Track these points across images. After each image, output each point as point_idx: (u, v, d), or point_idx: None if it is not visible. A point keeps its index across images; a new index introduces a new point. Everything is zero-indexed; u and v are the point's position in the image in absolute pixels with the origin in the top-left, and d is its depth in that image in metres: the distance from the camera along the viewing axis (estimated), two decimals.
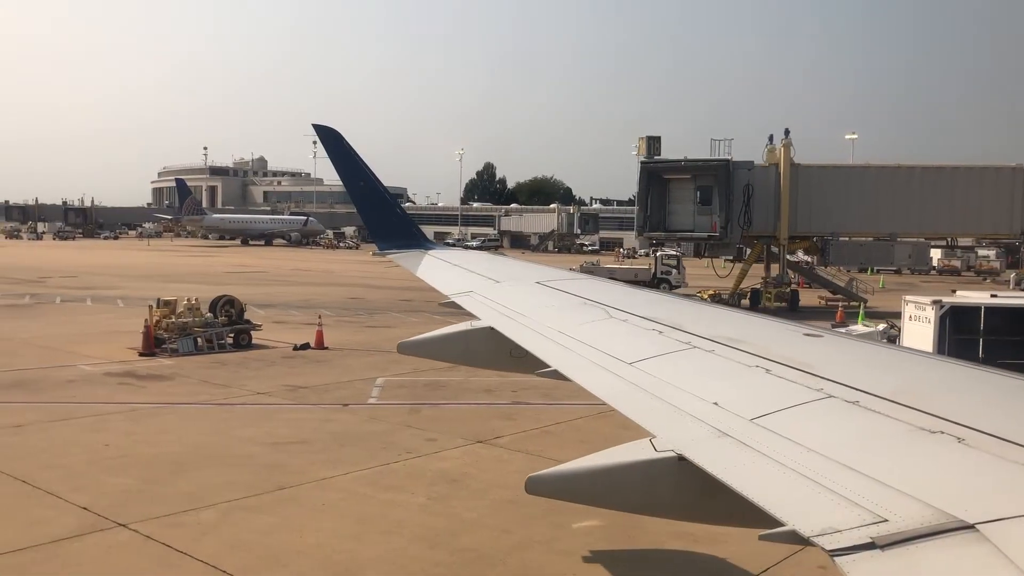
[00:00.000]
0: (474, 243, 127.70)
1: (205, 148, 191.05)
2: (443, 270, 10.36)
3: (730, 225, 40.83)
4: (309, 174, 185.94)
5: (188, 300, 26.46)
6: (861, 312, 37.21)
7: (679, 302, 7.99)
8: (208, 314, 26.40)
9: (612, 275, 51.29)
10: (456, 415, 18.28)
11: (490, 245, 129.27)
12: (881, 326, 20.55)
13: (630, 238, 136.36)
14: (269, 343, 26.98)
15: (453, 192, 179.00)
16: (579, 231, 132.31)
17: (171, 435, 16.02)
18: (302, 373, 22.57)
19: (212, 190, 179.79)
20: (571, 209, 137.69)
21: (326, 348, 26.47)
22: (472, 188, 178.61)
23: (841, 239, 43.33)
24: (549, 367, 5.65)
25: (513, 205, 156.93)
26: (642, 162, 44.12)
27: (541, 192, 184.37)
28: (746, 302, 43.84)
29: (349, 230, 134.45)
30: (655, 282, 50.66)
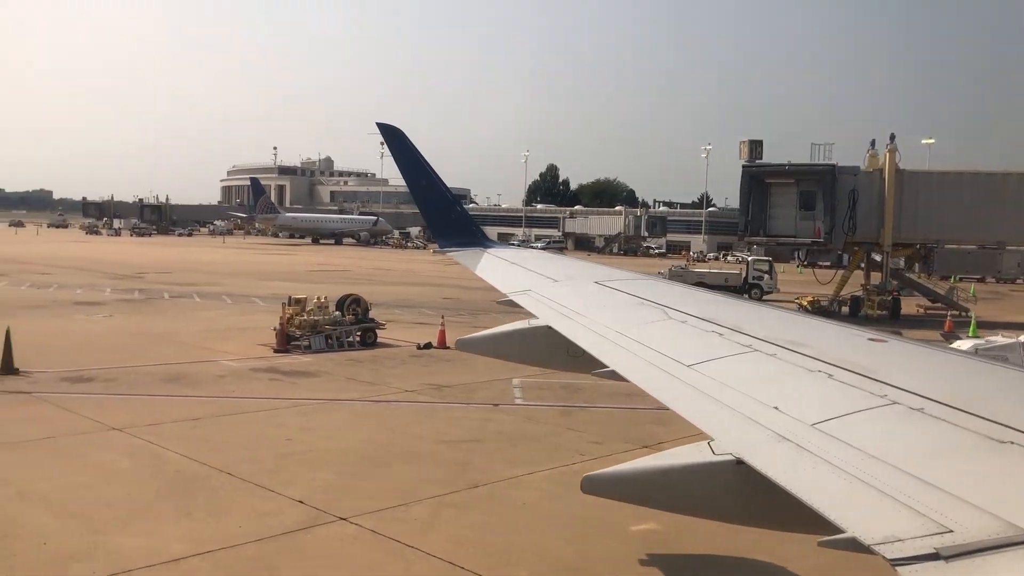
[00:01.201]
0: (538, 244, 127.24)
1: (275, 148, 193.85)
2: (501, 268, 10.39)
3: (834, 231, 40.21)
4: (375, 174, 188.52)
5: (318, 299, 27.02)
6: (973, 323, 36.34)
7: (739, 304, 7.85)
8: (336, 312, 26.93)
9: (701, 280, 50.86)
10: (607, 418, 18.35)
11: (555, 247, 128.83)
12: (1022, 337, 20.01)
13: (697, 241, 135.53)
14: (392, 342, 27.40)
15: (514, 193, 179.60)
16: (646, 234, 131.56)
17: (346, 431, 16.41)
18: (437, 372, 22.88)
19: (280, 189, 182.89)
20: (638, 211, 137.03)
21: (448, 348, 26.78)
22: (535, 190, 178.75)
23: (947, 247, 42.39)
24: (606, 367, 5.64)
25: (577, 207, 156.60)
26: (744, 166, 43.69)
27: (604, 194, 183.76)
28: (846, 309, 43.13)
29: (414, 230, 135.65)
30: (746, 287, 50.17)
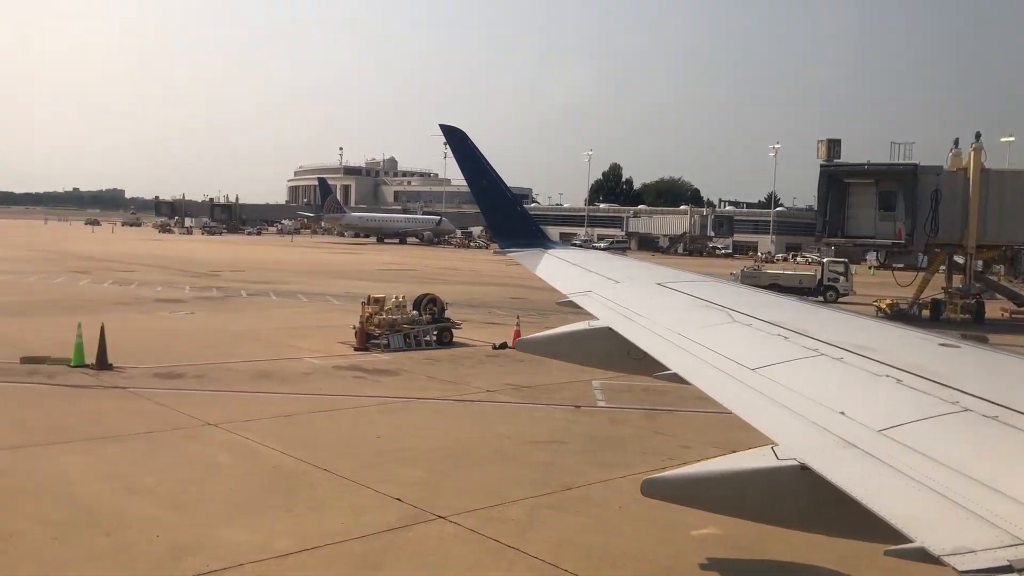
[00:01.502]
0: (601, 244, 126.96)
1: (341, 148, 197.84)
2: (562, 269, 10.20)
3: (916, 232, 39.09)
4: (438, 174, 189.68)
5: (396, 298, 27.30)
6: None
7: (805, 307, 7.64)
8: (413, 312, 27.17)
9: (775, 281, 50.05)
10: (691, 422, 18.10)
11: (618, 247, 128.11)
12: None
13: (765, 242, 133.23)
14: (468, 341, 27.51)
15: (576, 193, 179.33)
16: (712, 233, 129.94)
17: (433, 430, 16.52)
18: (515, 372, 22.88)
19: (346, 189, 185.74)
20: (704, 211, 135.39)
21: None
22: (597, 189, 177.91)
23: None
24: (668, 370, 5.54)
25: (641, 206, 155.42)
26: (822, 165, 42.77)
27: (668, 193, 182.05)
28: (926, 312, 41.92)
29: (476, 230, 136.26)
30: (821, 289, 49.13)
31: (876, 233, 41.48)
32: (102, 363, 20.46)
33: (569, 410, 18.76)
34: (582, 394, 20.24)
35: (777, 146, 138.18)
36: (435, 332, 26.92)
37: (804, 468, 3.79)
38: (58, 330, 26.18)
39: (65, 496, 11.70)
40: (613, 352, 7.14)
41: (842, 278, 49.49)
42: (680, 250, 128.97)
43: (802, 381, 4.78)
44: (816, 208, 46.08)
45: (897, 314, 40.49)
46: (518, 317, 30.31)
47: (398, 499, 12.26)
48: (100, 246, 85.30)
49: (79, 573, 9.42)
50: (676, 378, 5.47)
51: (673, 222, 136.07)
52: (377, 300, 27.02)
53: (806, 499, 3.90)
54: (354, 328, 26.50)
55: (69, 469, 12.91)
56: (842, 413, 4.15)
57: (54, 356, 20.98)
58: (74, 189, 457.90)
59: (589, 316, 7.79)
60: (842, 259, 50.87)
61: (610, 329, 7.02)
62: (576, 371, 22.96)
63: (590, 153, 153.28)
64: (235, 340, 26.36)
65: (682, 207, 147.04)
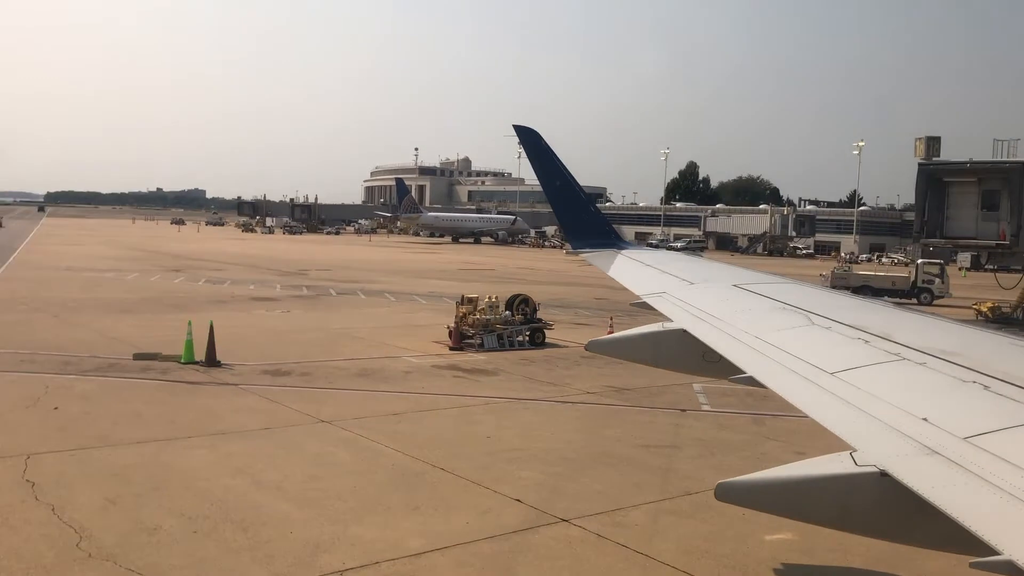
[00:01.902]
0: (678, 244, 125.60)
1: (416, 149, 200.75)
2: (635, 270, 10.01)
3: (1022, 233, 37.48)
4: (511, 174, 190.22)
5: (489, 298, 27.39)
6: None
7: (888, 310, 7.37)
8: (506, 312, 27.22)
9: (866, 283, 48.63)
10: (800, 427, 17.55)
11: (695, 247, 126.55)
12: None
13: (848, 242, 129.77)
14: (560, 342, 27.42)
15: (650, 192, 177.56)
16: (793, 233, 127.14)
17: (540, 431, 16.49)
18: (612, 374, 22.65)
19: (421, 189, 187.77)
20: (784, 210, 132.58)
21: None
22: (673, 188, 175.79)
23: None
24: (744, 373, 5.43)
25: (719, 205, 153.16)
26: (920, 164, 41.38)
27: (746, 192, 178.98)
28: None
29: (550, 229, 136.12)
30: (915, 291, 47.55)
31: (977, 234, 39.95)
32: (211, 360, 21.01)
33: (674, 414, 18.50)
34: (684, 398, 19.94)
35: (861, 144, 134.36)
36: (527, 332, 26.92)
37: (884, 475, 3.71)
38: (162, 327, 27.13)
39: (197, 491, 12.00)
40: (687, 354, 7.09)
41: (937, 280, 47.80)
42: (760, 250, 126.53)
43: (883, 386, 4.66)
44: (914, 208, 44.57)
45: (999, 318, 38.91)
46: (611, 318, 30.08)
47: (518, 500, 12.25)
48: (188, 245, 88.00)
49: (222, 567, 9.63)
50: (752, 381, 5.40)
51: (752, 221, 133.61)
52: (470, 300, 27.15)
53: (885, 506, 3.83)
54: (448, 328, 26.71)
55: (197, 464, 13.26)
56: (925, 419, 4.03)
57: (164, 353, 21.64)
58: (157, 189, 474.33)
59: (663, 318, 7.72)
60: (938, 260, 49.09)
61: (684, 331, 6.96)
62: (670, 373, 22.78)
63: (666, 151, 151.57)
64: (334, 338, 26.79)
65: (761, 206, 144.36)
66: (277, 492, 12.17)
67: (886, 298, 44.67)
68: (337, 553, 10.09)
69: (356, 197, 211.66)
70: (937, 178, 40.74)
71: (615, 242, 11.76)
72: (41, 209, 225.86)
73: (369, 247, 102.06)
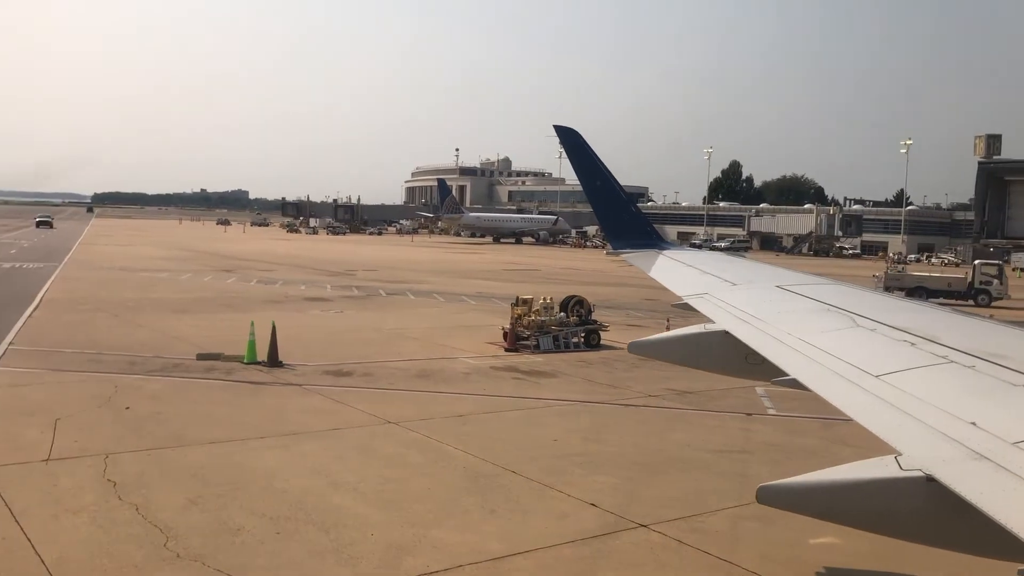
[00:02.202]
0: (722, 244, 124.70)
1: (457, 149, 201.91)
2: (677, 271, 9.91)
3: None
4: (551, 173, 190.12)
5: (544, 299, 27.31)
6: None
7: (936, 312, 7.22)
8: (560, 313, 27.11)
9: (921, 284, 47.72)
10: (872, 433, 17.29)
11: (739, 247, 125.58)
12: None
13: (896, 242, 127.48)
14: (615, 343, 27.21)
15: (692, 191, 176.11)
16: (840, 233, 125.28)
17: (607, 434, 16.36)
18: (672, 376, 22.35)
19: (461, 189, 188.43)
20: (830, 210, 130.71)
21: None
22: (716, 187, 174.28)
23: None
24: (787, 375, 5.39)
25: (763, 204, 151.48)
26: (980, 162, 40.62)
27: (790, 191, 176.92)
28: None
29: (591, 229, 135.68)
30: (972, 293, 46.52)
31: None
32: (274, 360, 21.19)
33: (740, 417, 18.24)
34: (749, 401, 19.66)
35: (909, 142, 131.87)
36: (583, 334, 26.78)
37: (930, 480, 3.67)
38: (220, 327, 27.46)
39: (276, 492, 12.07)
40: (729, 356, 7.04)
41: (996, 281, 46.74)
42: (805, 250, 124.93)
43: (929, 389, 4.58)
44: (965, 207, 43.59)
45: None
46: (668, 320, 29.78)
47: (593, 504, 12.14)
48: (235, 245, 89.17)
49: (308, 569, 9.65)
50: (795, 384, 5.34)
51: (798, 221, 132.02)
52: (525, 301, 27.09)
53: (932, 512, 3.78)
54: (503, 329, 26.67)
55: (272, 465, 13.34)
56: (973, 424, 3.96)
57: (227, 353, 21.87)
58: (202, 190, 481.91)
59: (705, 319, 7.68)
60: (995, 261, 47.97)
61: (726, 333, 6.90)
62: (735, 378, 22.48)
63: (709, 150, 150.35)
64: (389, 339, 26.90)
65: (806, 205, 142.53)
66: (354, 494, 12.19)
67: (942, 299, 43.83)
68: (420, 556, 10.07)
69: (396, 197, 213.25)
70: (998, 177, 39.87)
71: (656, 242, 11.69)
72: (90, 210, 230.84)
73: (412, 247, 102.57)
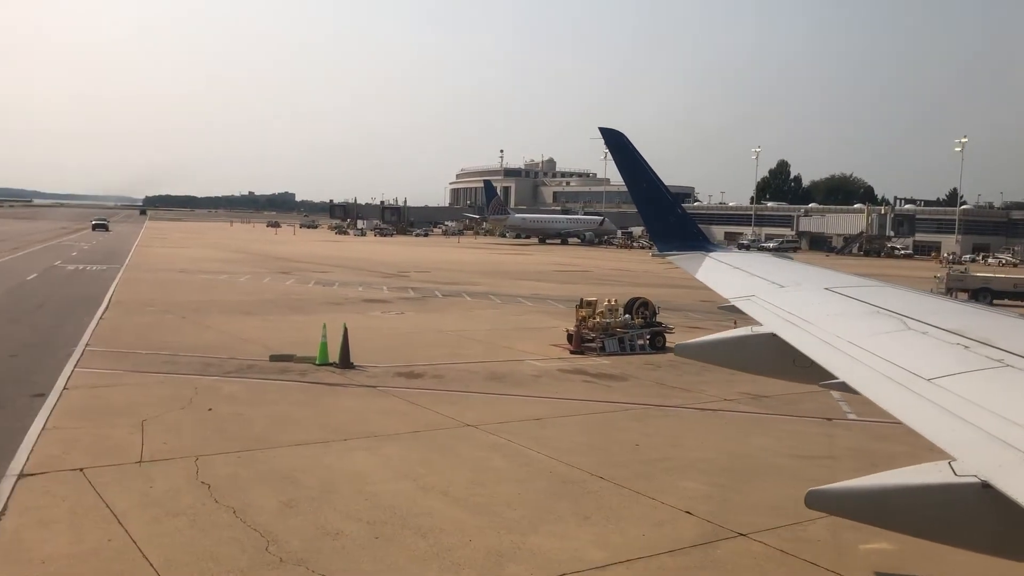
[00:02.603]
0: (770, 244, 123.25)
1: (501, 151, 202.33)
2: (723, 273, 9.77)
3: None
4: (596, 174, 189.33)
5: (608, 301, 27.11)
6: None
7: (990, 314, 7.02)
8: (625, 315, 26.88)
9: (986, 285, 46.59)
10: None
11: (788, 247, 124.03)
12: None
13: (950, 242, 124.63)
14: None
15: (738, 191, 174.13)
16: (892, 233, 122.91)
17: (688, 439, 16.13)
18: (743, 379, 21.69)
19: (506, 190, 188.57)
20: (882, 209, 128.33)
21: None
22: (763, 187, 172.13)
23: None
24: (836, 379, 5.34)
25: (812, 204, 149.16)
26: None
27: (839, 191, 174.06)
28: None
29: (637, 230, 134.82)
30: None
31: None
32: (345, 362, 21.29)
33: (819, 422, 17.86)
34: (827, 406, 19.22)
35: (964, 140, 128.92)
36: (648, 336, 26.52)
37: (986, 486, 3.60)
38: (286, 328, 27.74)
39: (368, 495, 12.05)
40: (776, 359, 7.00)
41: None
42: (856, 251, 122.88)
43: (984, 393, 4.46)
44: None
45: None
46: (735, 322, 29.35)
47: (687, 512, 11.93)
48: (287, 247, 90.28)
49: (410, 575, 9.60)
50: (844, 387, 5.28)
51: (848, 221, 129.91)
52: (589, 303, 26.91)
53: (987, 519, 3.71)
54: (567, 331, 26.54)
55: (359, 467, 13.36)
56: None
57: (299, 355, 22.04)
58: (249, 193, 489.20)
59: (752, 322, 7.61)
60: None
61: (773, 335, 6.85)
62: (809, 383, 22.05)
63: (757, 150, 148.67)
64: (453, 340, 26.89)
65: (856, 205, 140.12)
66: (444, 498, 12.13)
67: (1007, 301, 42.68)
68: (522, 563, 9.96)
69: (439, 199, 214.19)
70: None
71: (702, 244, 11.58)
72: (143, 213, 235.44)
73: (459, 248, 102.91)
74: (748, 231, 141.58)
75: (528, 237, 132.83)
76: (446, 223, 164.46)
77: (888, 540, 10.37)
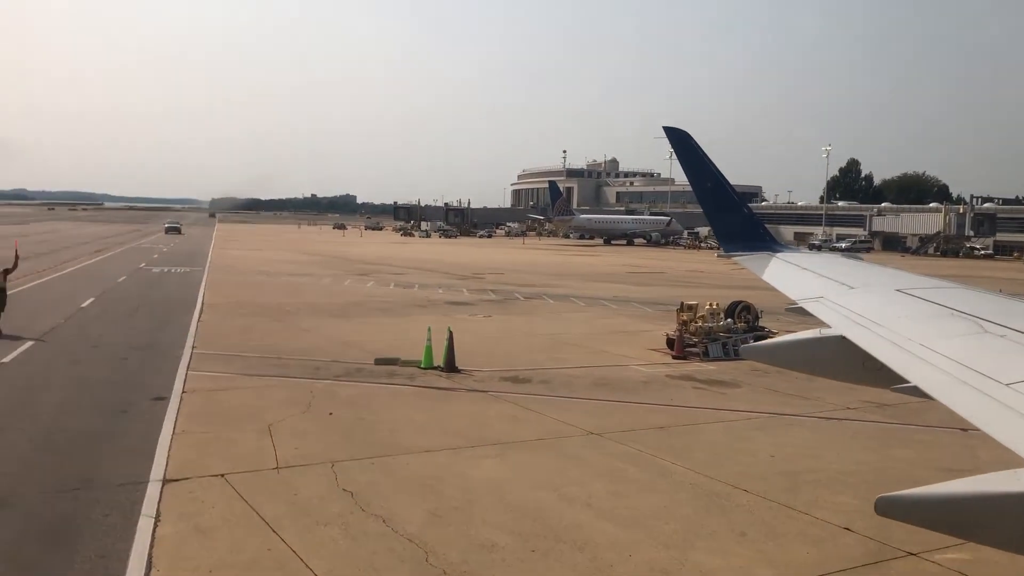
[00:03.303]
0: (842, 245, 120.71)
1: (564, 151, 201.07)
2: (791, 274, 9.53)
3: None
4: (660, 174, 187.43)
5: (711, 304, 26.53)
6: None
7: None
8: (727, 319, 26.26)
9: None
10: None
11: (860, 247, 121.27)
12: None
13: None
14: None
15: (804, 191, 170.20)
16: (971, 233, 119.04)
17: (824, 450, 15.52)
18: (857, 387, 21.28)
19: (568, 191, 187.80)
20: (960, 208, 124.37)
21: None
22: (833, 186, 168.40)
23: None
24: (908, 383, 5.17)
25: (885, 204, 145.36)
26: None
27: (911, 189, 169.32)
28: None
29: (703, 230, 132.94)
30: None
31: None
32: (451, 366, 21.13)
33: (955, 433, 16.96)
34: (954, 416, 18.34)
35: None
36: (752, 341, 25.80)
37: None
38: (380, 331, 27.84)
39: (510, 505, 11.78)
40: (846, 362, 6.86)
41: None
42: (932, 251, 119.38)
43: None
44: None
45: None
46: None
47: (846, 528, 11.39)
48: (357, 249, 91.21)
49: None
50: (916, 391, 5.15)
51: (924, 220, 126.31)
52: (690, 307, 26.35)
53: None
54: (667, 335, 26.03)
55: (493, 475, 13.10)
56: None
57: (403, 358, 21.95)
58: (312, 195, 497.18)
59: (820, 324, 7.41)
60: None
61: (843, 338, 6.66)
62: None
63: (828, 148, 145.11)
64: (549, 344, 26.56)
65: (932, 204, 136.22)
66: (588, 509, 11.79)
67: None
68: None
69: (496, 199, 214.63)
70: None
71: (769, 244, 11.28)
72: (212, 215, 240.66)
73: (526, 250, 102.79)
74: (818, 231, 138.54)
75: (591, 238, 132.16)
76: (508, 224, 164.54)
77: (965, 550, 10.16)
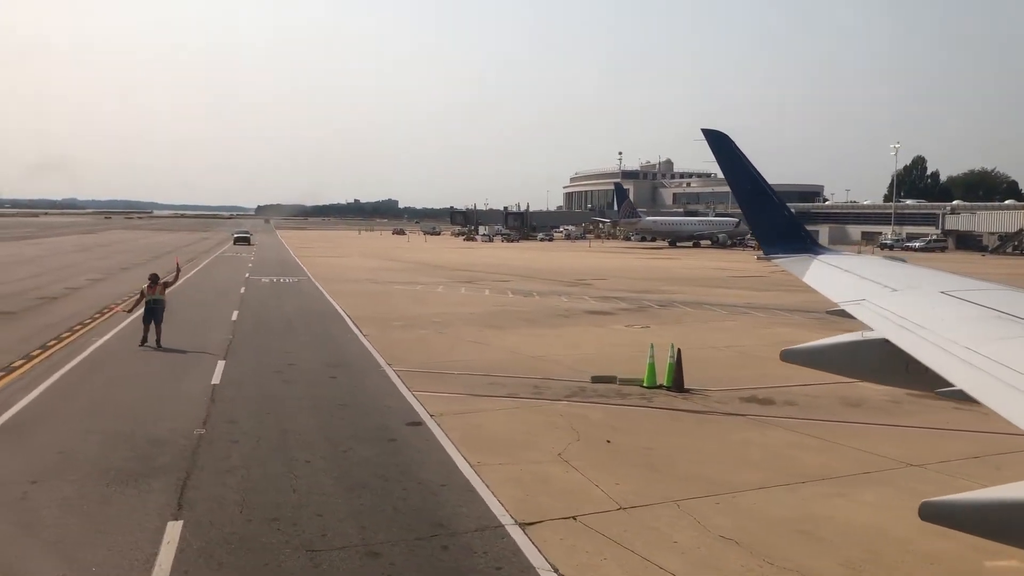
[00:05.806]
0: (915, 244, 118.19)
1: (620, 153, 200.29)
2: (832, 276, 9.45)
3: None
4: (716, 174, 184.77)
5: None
6: None
7: None
8: None
9: None
10: None
11: (934, 246, 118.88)
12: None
13: None
14: None
15: (864, 189, 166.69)
16: None
17: None
18: None
19: (624, 193, 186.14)
20: None
21: None
22: (897, 184, 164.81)
23: None
24: (952, 386, 5.08)
25: (957, 202, 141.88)
26: None
27: (979, 186, 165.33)
28: None
29: None
30: None
31: None
32: (679, 385, 19.92)
33: None
34: None
35: None
36: None
37: None
38: (546, 343, 26.74)
39: (924, 556, 10.52)
40: (888, 365, 6.85)
41: None
42: (1011, 250, 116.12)
43: None
44: None
45: None
46: None
47: None
48: (432, 254, 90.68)
49: None
50: (962, 395, 5.03)
51: (1001, 218, 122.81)
52: None
53: None
54: None
55: (864, 519, 11.84)
56: None
57: (621, 376, 20.80)
58: (355, 201, 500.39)
59: (863, 326, 7.27)
60: None
61: (885, 341, 6.61)
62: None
63: (896, 145, 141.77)
64: (739, 359, 25.28)
65: (1008, 201, 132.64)
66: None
67: None
68: None
69: (541, 202, 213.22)
70: None
71: (810, 247, 11.07)
72: (267, 221, 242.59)
73: (599, 253, 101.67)
74: (887, 230, 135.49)
75: (652, 239, 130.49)
76: (566, 227, 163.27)
77: (1017, 557, 9.48)
